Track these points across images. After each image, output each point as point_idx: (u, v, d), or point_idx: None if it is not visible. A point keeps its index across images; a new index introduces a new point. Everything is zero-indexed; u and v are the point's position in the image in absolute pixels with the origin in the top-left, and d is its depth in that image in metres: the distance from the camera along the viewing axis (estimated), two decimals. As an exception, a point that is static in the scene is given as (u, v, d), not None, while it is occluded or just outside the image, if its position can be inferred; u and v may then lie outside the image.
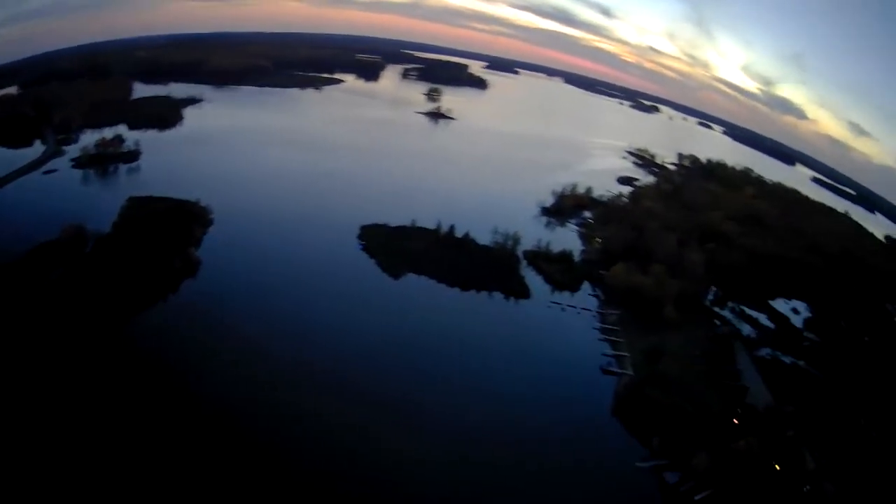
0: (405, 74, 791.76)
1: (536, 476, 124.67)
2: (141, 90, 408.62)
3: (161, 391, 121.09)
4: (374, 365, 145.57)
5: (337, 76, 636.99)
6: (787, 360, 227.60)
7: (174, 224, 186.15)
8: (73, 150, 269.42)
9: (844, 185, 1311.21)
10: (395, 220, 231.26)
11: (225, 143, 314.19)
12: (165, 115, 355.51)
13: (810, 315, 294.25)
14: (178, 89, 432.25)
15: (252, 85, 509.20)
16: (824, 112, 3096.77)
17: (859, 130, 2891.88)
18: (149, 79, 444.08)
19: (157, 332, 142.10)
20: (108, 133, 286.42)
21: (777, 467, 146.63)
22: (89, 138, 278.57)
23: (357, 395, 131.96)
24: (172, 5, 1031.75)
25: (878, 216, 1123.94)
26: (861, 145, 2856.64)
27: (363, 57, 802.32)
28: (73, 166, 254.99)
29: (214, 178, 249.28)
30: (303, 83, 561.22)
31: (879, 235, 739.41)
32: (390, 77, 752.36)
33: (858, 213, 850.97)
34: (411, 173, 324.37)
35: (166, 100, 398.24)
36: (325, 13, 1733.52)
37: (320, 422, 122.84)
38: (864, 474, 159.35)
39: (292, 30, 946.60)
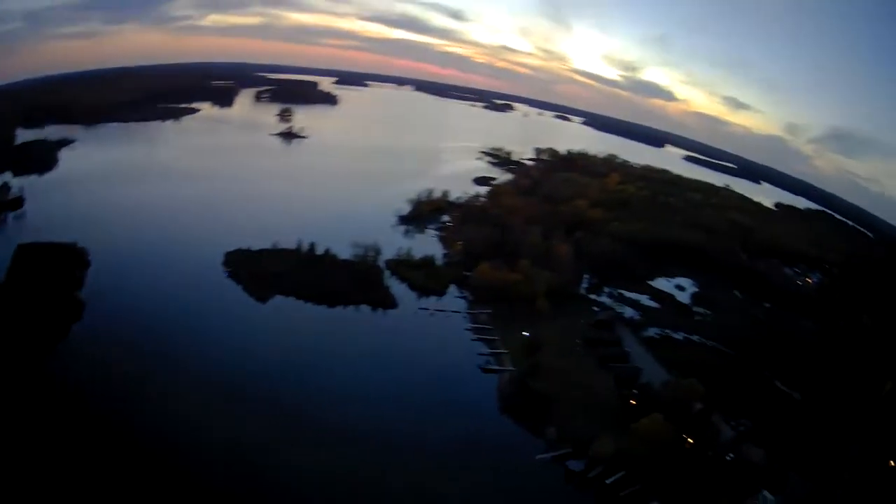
0: (258, 97, 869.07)
1: (438, 480, 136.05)
2: (21, 135, 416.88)
3: (68, 424, 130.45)
4: (261, 386, 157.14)
5: (194, 105, 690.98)
6: (678, 336, 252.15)
7: (59, 269, 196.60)
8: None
9: (723, 160, 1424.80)
10: (258, 243, 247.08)
11: (97, 182, 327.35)
12: (44, 158, 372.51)
13: (697, 290, 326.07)
14: (52, 131, 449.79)
15: (117, 122, 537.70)
16: (695, 90, 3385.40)
17: (737, 104, 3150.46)
18: (27, 123, 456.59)
19: (59, 375, 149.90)
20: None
21: (689, 441, 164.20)
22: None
23: (253, 414, 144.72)
24: (38, 47, 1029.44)
25: (765, 185, 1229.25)
26: (740, 119, 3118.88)
27: (218, 83, 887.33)
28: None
29: (90, 218, 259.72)
30: (163, 115, 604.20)
31: (768, 204, 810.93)
32: (244, 101, 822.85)
33: (742, 185, 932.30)
34: (268, 196, 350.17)
35: (44, 143, 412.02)
36: (180, 42, 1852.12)
37: (224, 442, 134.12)
38: (793, 436, 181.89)
39: (150, 62, 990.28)
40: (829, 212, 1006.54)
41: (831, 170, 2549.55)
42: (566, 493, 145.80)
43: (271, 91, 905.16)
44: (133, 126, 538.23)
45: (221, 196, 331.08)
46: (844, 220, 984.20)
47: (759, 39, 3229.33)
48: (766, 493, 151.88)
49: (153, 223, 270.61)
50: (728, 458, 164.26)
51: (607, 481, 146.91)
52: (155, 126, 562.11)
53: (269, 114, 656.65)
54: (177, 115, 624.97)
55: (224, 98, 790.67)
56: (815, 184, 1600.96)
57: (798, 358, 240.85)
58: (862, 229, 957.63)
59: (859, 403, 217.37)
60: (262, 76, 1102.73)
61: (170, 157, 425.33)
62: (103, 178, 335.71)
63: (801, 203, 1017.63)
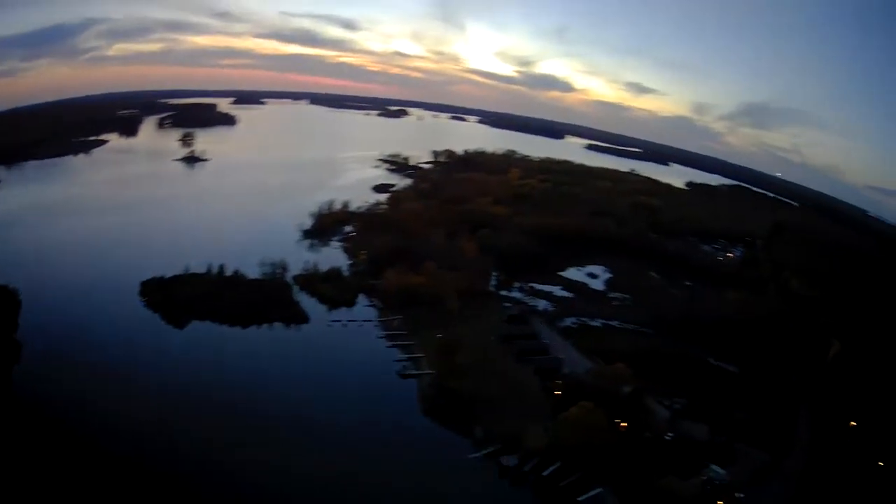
0: (161, 124, 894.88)
1: (377, 489, 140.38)
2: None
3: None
4: (193, 410, 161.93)
5: (103, 137, 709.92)
6: (597, 323, 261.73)
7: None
8: None
9: (628, 146, 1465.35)
10: (170, 270, 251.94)
11: (23, 222, 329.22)
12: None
13: (611, 276, 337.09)
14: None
15: (35, 159, 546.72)
16: (595, 79, 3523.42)
17: (640, 89, 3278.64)
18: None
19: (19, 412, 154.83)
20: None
21: (624, 425, 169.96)
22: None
23: (194, 436, 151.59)
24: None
25: (675, 167, 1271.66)
26: (644, 103, 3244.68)
27: (123, 113, 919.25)
28: None
29: (17, 259, 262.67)
30: (76, 149, 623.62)
31: (679, 184, 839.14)
32: (148, 129, 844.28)
33: (650, 169, 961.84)
34: (176, 221, 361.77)
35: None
36: (90, 74, 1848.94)
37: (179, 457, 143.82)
38: (735, 408, 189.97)
39: (64, 96, 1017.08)
40: (747, 186, 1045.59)
41: (746, 145, 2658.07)
42: (503, 490, 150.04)
43: (173, 116, 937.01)
44: (49, 162, 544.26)
45: (134, 226, 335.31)
46: (764, 192, 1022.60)
47: (660, 23, 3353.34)
48: (714, 467, 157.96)
49: (76, 258, 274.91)
50: (668, 437, 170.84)
51: (544, 473, 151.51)
52: (69, 161, 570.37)
53: (171, 139, 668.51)
54: (88, 148, 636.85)
55: (130, 127, 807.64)
56: (729, 160, 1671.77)
57: (727, 331, 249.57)
58: (785, 200, 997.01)
59: (801, 367, 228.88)
60: (165, 102, 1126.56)
61: (85, 192, 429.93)
62: (28, 218, 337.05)
63: (716, 180, 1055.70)
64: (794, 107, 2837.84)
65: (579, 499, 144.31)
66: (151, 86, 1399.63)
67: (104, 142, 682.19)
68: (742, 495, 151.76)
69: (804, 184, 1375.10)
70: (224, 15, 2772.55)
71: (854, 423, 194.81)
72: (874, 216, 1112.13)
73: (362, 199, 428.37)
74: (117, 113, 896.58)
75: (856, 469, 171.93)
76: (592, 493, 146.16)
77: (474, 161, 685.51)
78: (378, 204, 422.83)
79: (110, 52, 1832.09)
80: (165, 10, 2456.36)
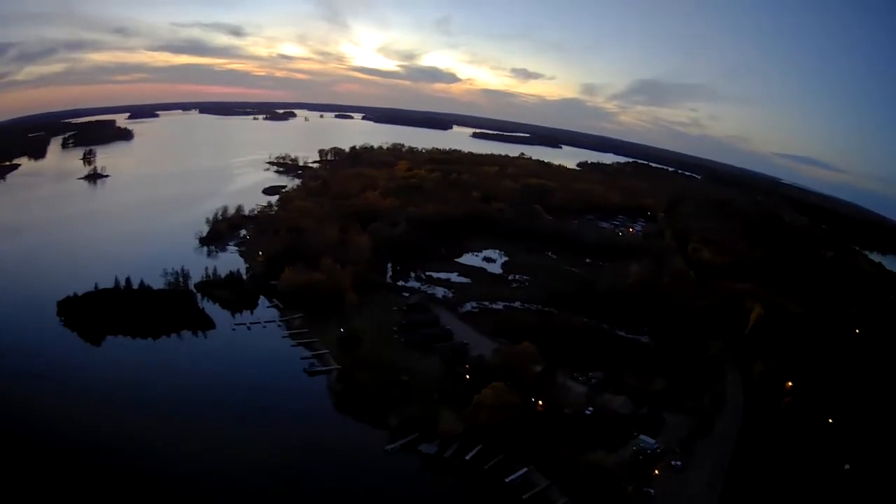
0: (65, 144, 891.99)
1: (302, 488, 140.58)
2: None
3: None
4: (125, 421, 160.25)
5: (16, 161, 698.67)
6: (498, 306, 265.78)
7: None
8: None
9: (516, 132, 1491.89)
10: (82, 287, 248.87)
11: None
12: None
13: (508, 259, 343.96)
14: None
15: None
16: (480, 68, 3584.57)
17: (527, 74, 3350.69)
18: None
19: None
20: None
21: (540, 403, 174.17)
22: None
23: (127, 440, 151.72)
24: None
25: (567, 148, 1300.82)
26: (532, 88, 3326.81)
27: (32, 136, 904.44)
28: None
29: None
30: None
31: (571, 165, 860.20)
32: (55, 150, 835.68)
33: (541, 152, 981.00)
34: (85, 239, 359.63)
35: None
36: (3, 99, 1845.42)
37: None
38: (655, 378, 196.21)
39: None
40: (644, 162, 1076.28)
41: (640, 122, 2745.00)
42: (427, 478, 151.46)
43: (75, 136, 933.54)
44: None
45: (46, 246, 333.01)
46: (664, 167, 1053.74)
47: (543, 5, 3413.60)
48: (643, 437, 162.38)
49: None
50: (588, 412, 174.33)
51: (466, 458, 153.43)
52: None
53: (75, 158, 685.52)
54: (3, 173, 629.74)
55: (38, 150, 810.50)
56: (624, 138, 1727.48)
57: (633, 304, 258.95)
58: (687, 173, 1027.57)
59: (723, 333, 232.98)
60: (68, 122, 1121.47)
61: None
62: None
63: (610, 159, 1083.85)
64: (689, 81, 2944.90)
65: (507, 480, 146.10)
66: (56, 107, 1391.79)
67: (17, 165, 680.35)
68: (679, 463, 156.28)
69: (707, 157, 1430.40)
70: (120, 30, 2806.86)
71: (790, 384, 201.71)
72: (788, 184, 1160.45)
73: (254, 202, 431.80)
74: (28, 136, 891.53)
75: (792, 429, 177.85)
76: (519, 473, 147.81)
77: (361, 157, 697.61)
78: (270, 206, 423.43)
79: (20, 77, 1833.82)
80: (66, 28, 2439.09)
